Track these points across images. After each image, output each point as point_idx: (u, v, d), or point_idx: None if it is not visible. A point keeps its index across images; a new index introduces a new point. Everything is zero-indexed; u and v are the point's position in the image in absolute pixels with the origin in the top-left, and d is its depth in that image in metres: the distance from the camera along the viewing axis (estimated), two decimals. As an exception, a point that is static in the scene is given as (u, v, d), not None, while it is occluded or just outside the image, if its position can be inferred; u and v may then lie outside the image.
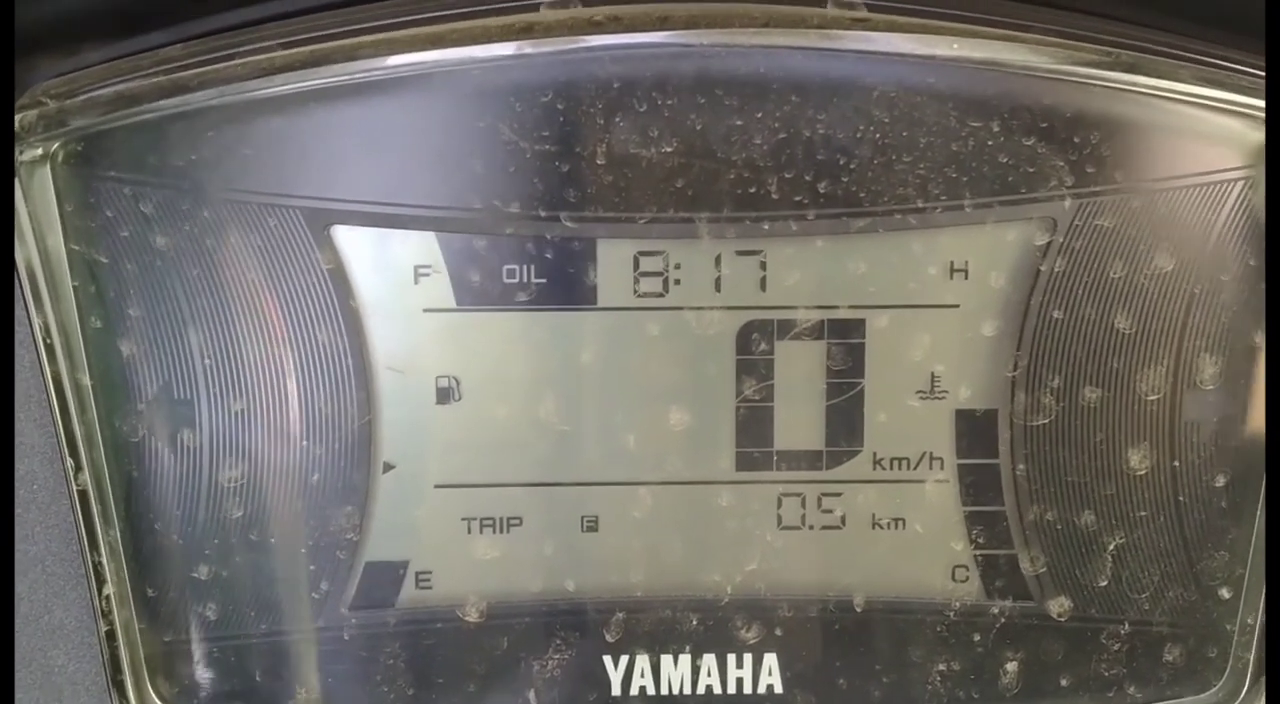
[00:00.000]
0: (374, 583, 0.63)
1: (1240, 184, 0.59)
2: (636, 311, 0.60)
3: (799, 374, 0.61)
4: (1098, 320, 0.60)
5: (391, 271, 0.60)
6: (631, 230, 0.59)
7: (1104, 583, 0.62)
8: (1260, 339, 0.60)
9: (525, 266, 0.60)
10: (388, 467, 0.62)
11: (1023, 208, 0.59)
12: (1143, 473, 0.61)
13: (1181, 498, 0.62)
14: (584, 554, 0.63)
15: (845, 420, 0.62)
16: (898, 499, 0.62)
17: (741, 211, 0.59)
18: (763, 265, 0.60)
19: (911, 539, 0.62)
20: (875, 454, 0.62)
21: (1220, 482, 0.62)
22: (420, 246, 0.60)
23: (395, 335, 0.61)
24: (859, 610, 0.63)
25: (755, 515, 0.62)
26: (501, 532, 0.62)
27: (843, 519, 0.62)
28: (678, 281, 0.60)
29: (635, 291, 0.60)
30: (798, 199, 0.59)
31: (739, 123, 0.58)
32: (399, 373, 0.61)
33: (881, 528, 0.62)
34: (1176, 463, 0.61)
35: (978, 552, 0.62)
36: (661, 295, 0.60)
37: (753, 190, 0.59)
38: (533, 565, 0.63)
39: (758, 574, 0.63)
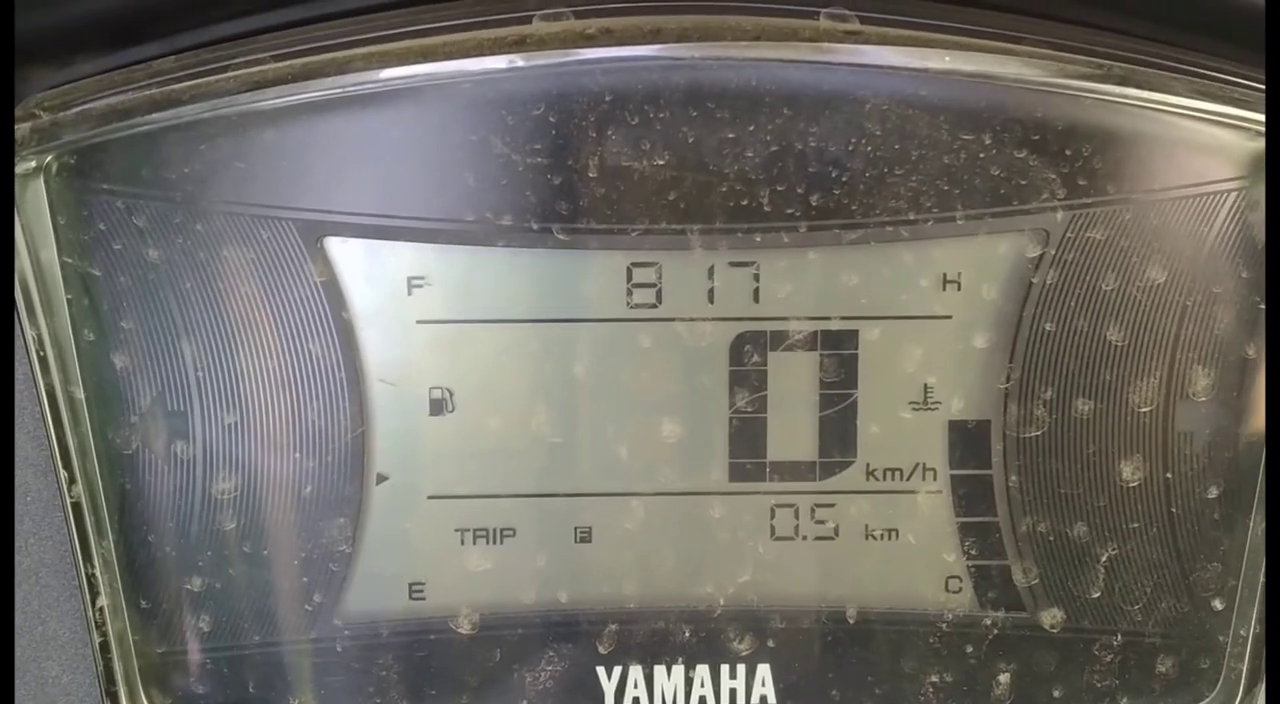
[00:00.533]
0: (367, 594, 0.63)
1: (1233, 195, 0.59)
2: (629, 323, 0.61)
3: (792, 385, 0.61)
4: (1090, 332, 0.60)
5: (385, 283, 0.60)
6: (624, 242, 0.59)
7: (1096, 594, 0.62)
8: (1253, 351, 0.60)
9: (518, 278, 0.60)
10: (381, 478, 0.62)
11: (1015, 220, 0.60)
12: (1135, 484, 0.61)
13: (1174, 509, 0.62)
14: (577, 565, 0.63)
15: (838, 431, 0.62)
16: (891, 510, 0.62)
17: (734, 223, 0.59)
18: (755, 277, 0.60)
19: (905, 550, 0.63)
20: (868, 465, 0.62)
21: (1213, 493, 0.62)
22: (414, 258, 0.60)
23: (388, 347, 0.61)
24: (852, 621, 0.63)
25: (748, 526, 0.62)
26: (495, 543, 0.62)
27: (836, 530, 0.62)
28: (671, 293, 0.60)
29: (628, 303, 0.60)
30: (790, 211, 0.59)
31: (731, 135, 0.58)
32: (391, 385, 0.61)
33: (875, 538, 0.62)
34: (1169, 475, 0.61)
35: (970, 563, 0.63)
36: (654, 307, 0.60)
37: (745, 202, 0.59)
38: (526, 576, 0.63)
39: (751, 585, 0.63)
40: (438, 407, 0.61)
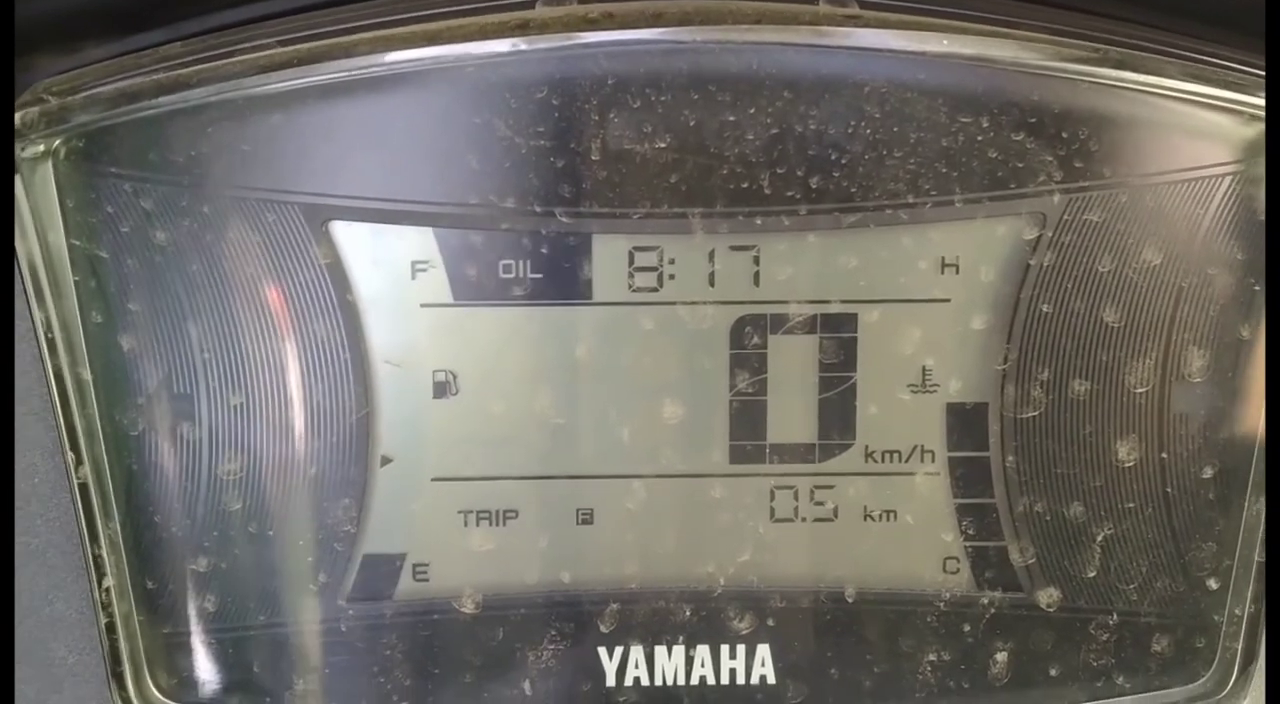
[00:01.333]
0: (372, 575, 0.63)
1: (1228, 179, 0.60)
2: (631, 306, 0.61)
3: (792, 368, 0.62)
4: (1087, 314, 0.61)
5: (389, 267, 0.61)
6: (626, 226, 0.60)
7: (1092, 574, 0.63)
8: (1247, 332, 0.61)
9: (521, 262, 0.60)
10: (385, 460, 0.62)
11: (1012, 203, 0.60)
12: (1131, 465, 0.62)
13: (1170, 489, 0.62)
14: (579, 546, 0.63)
15: (837, 414, 0.62)
16: (889, 491, 0.63)
17: (735, 207, 0.60)
18: (756, 260, 0.61)
19: (903, 531, 0.63)
20: (867, 447, 0.62)
21: (1208, 473, 0.62)
22: (417, 242, 0.60)
23: (392, 330, 0.61)
24: (850, 601, 0.63)
25: (748, 508, 0.63)
26: (498, 524, 0.63)
27: (835, 511, 0.63)
28: (672, 276, 0.61)
29: (630, 286, 0.61)
30: (790, 194, 0.59)
31: (732, 119, 0.58)
32: (396, 367, 0.61)
33: (873, 520, 0.63)
34: (1165, 455, 0.62)
35: (968, 543, 0.63)
36: (656, 290, 0.61)
37: (746, 186, 0.59)
38: (529, 557, 0.63)
39: (750, 566, 0.63)
40: (441, 389, 0.62)
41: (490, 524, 0.63)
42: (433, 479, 0.63)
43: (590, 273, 0.61)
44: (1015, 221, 0.60)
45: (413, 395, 0.62)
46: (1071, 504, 0.62)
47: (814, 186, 0.59)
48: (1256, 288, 0.61)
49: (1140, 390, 0.61)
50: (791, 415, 0.62)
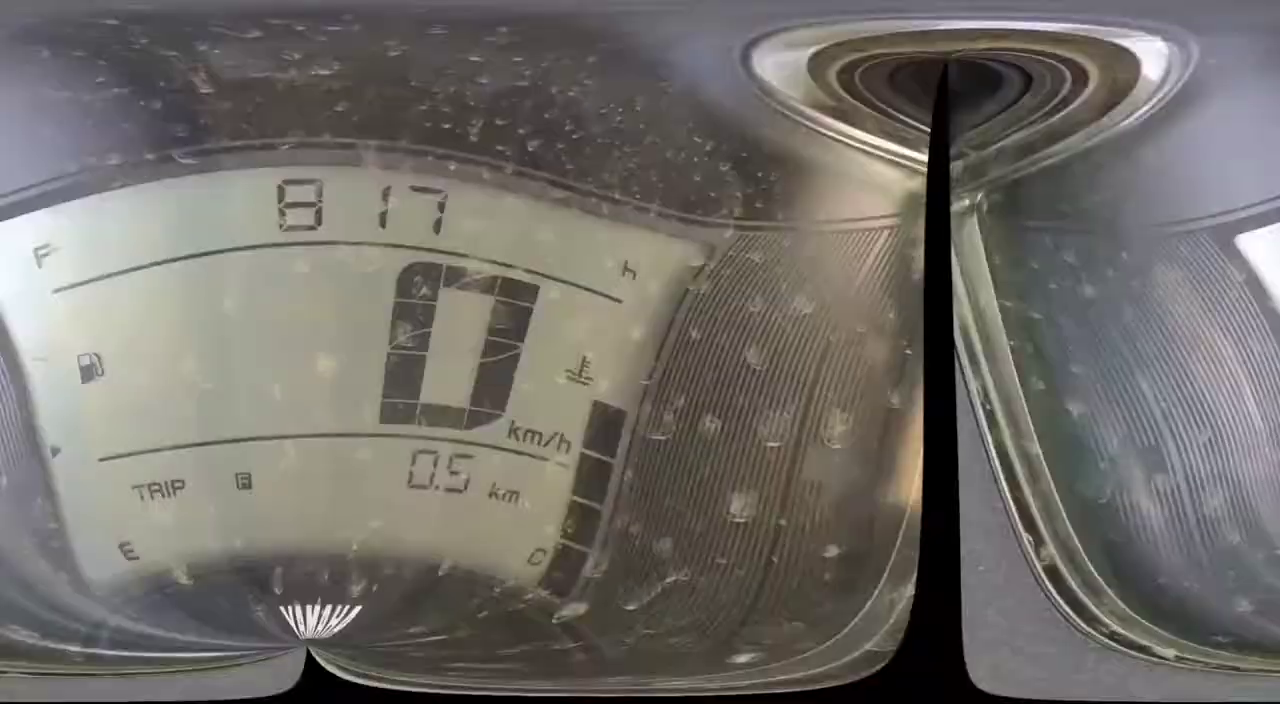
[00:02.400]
0: (94, 563, 0.62)
1: (885, 233, 0.59)
2: (282, 248, 0.59)
3: (459, 326, 0.60)
4: (731, 350, 0.60)
5: (13, 259, 0.60)
6: (270, 158, 0.59)
7: (632, 608, 0.61)
8: (898, 401, 0.59)
9: (148, 221, 0.59)
10: (55, 450, 0.61)
11: (694, 228, 0.60)
12: (742, 522, 0.60)
13: (775, 559, 0.60)
14: (243, 511, 0.62)
15: (494, 382, 0.61)
16: (520, 473, 0.61)
17: (422, 145, 0.59)
18: (441, 207, 0.59)
19: (518, 514, 0.61)
20: (513, 423, 0.61)
21: (832, 552, 0.60)
22: (33, 228, 0.60)
23: (33, 322, 0.60)
24: (440, 575, 0.62)
25: (389, 471, 0.61)
26: (170, 495, 0.61)
27: (466, 483, 0.61)
28: (333, 214, 0.59)
29: (280, 225, 0.59)
30: (501, 149, 0.59)
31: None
32: (43, 361, 0.61)
33: (497, 498, 0.61)
34: (783, 521, 0.60)
35: (562, 540, 0.61)
36: (313, 229, 0.59)
37: (446, 127, 0.59)
38: (205, 525, 0.62)
39: (381, 533, 0.62)
40: (88, 373, 0.60)
41: (163, 496, 0.61)
42: (100, 459, 0.61)
43: (230, 216, 0.59)
44: (689, 245, 0.60)
45: (64, 383, 0.61)
46: (663, 538, 0.60)
47: (531, 150, 0.59)
48: (909, 351, 0.59)
49: (772, 444, 0.60)
50: (448, 376, 0.61)
